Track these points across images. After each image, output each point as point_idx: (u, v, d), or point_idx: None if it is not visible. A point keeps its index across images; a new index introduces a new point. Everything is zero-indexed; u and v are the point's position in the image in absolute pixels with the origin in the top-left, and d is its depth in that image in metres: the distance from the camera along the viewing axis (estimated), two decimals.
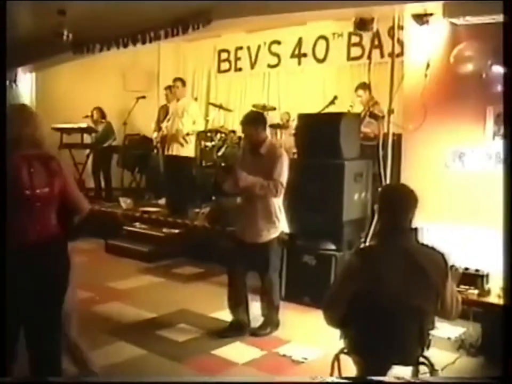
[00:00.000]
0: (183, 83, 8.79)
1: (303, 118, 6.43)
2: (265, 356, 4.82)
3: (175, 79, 8.83)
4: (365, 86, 7.62)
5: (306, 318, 5.61)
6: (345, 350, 3.30)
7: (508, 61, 4.32)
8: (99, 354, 4.77)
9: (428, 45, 6.00)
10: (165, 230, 8.27)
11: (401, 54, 6.82)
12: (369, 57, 8.53)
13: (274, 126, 9.30)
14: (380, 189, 3.90)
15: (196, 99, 10.53)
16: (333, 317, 3.25)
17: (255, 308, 5.85)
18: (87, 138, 10.62)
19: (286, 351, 4.86)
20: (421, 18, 5.83)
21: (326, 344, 4.53)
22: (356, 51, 9.36)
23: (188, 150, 8.65)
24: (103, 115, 10.45)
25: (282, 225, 5.21)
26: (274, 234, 5.14)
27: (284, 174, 5.00)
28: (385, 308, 2.99)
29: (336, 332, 3.32)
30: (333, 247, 5.92)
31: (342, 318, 3.19)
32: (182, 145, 8.49)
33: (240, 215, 5.34)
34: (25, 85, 11.51)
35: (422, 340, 3.11)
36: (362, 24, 6.43)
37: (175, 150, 8.60)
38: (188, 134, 8.50)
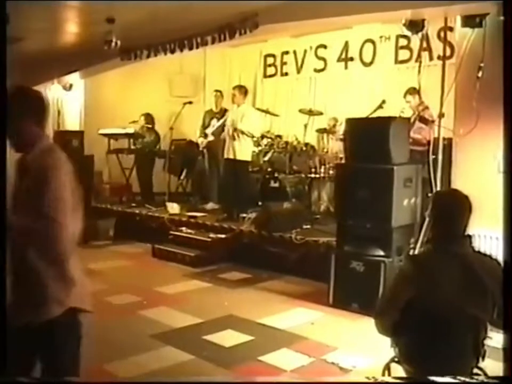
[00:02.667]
0: (244, 90, 8.88)
1: (352, 122, 6.36)
2: (313, 363, 4.76)
3: (235, 86, 8.98)
4: (414, 91, 7.50)
5: (354, 325, 5.55)
6: (396, 359, 3.22)
7: (508, 60, 4.18)
8: (146, 358, 4.82)
9: (480, 46, 5.85)
10: (211, 235, 8.28)
11: (451, 56, 6.68)
12: (418, 60, 8.39)
13: (321, 131, 9.24)
14: (432, 195, 3.82)
15: None
16: (385, 324, 3.18)
17: (297, 314, 5.84)
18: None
19: (334, 359, 4.79)
20: (473, 19, 5.69)
21: (375, 352, 4.46)
22: (404, 54, 9.24)
23: (245, 154, 8.71)
24: (151, 121, 10.54)
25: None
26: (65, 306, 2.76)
27: (63, 200, 2.72)
28: (439, 316, 2.91)
29: (386, 340, 3.25)
30: (382, 253, 5.83)
31: (393, 326, 3.12)
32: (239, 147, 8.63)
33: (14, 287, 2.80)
34: (75, 92, 11.71)
35: (477, 350, 3.02)
36: (412, 26, 6.32)
37: (232, 153, 8.69)
38: (243, 134, 8.61)
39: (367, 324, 5.02)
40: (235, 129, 8.63)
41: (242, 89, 8.91)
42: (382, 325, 3.19)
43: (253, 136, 8.70)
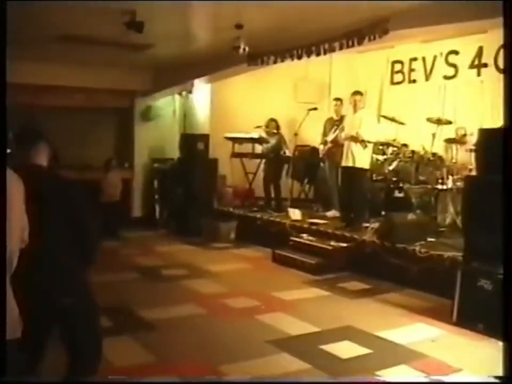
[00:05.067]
0: (362, 95, 8.74)
1: (485, 133, 6.04)
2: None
3: (355, 92, 8.80)
4: None
5: (479, 346, 5.25)
6: None
7: (508, 61, 3.74)
8: (262, 363, 4.82)
9: None
10: (332, 243, 8.19)
11: None
12: None
13: (450, 141, 8.88)
14: None
15: None
16: None
17: (417, 330, 5.62)
18: (259, 148, 10.85)
19: (456, 380, 4.54)
20: None
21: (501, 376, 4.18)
22: None
23: (363, 161, 8.53)
24: (277, 126, 10.60)
25: None
26: None
27: None
28: None
29: None
30: None
31: None
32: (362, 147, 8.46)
33: None
34: (202, 96, 12.02)
35: None
36: None
37: (349, 161, 8.55)
38: (364, 141, 8.43)
39: (493, 346, 4.77)
40: (352, 136, 8.50)
41: (361, 95, 8.75)
42: None
43: (370, 143, 8.50)
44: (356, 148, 8.47)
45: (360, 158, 8.49)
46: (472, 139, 7.91)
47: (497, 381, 2.57)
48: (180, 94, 12.45)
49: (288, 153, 10.60)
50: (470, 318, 5.65)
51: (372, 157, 9.08)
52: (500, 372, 4.25)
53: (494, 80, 9.41)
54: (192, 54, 10.16)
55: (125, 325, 5.69)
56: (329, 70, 12.06)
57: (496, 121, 7.34)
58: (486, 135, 6.00)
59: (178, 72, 11.29)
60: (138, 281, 7.51)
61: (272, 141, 10.53)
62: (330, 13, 7.14)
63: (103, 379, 4.28)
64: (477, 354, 5.11)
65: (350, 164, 8.54)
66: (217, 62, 10.02)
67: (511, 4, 3.23)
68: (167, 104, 12.59)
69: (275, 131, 10.57)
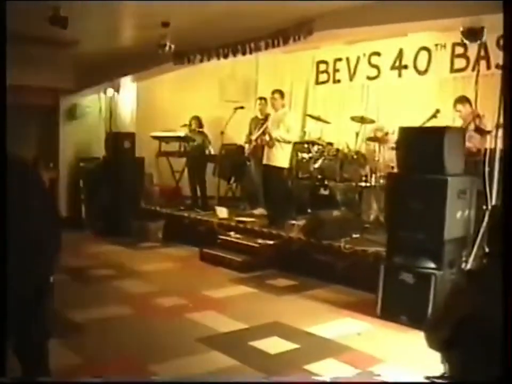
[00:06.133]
0: (282, 94, 8.86)
1: (405, 131, 6.24)
2: (359, 374, 4.67)
3: (274, 91, 8.91)
4: (464, 100, 7.36)
5: (402, 338, 5.44)
6: (446, 375, 3.13)
7: (508, 61, 4.02)
8: (192, 361, 4.83)
9: None
10: (259, 240, 8.26)
11: None
12: (474, 68, 8.21)
13: (372, 139, 9.13)
14: (490, 209, 3.71)
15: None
16: (436, 339, 3.09)
17: (344, 324, 5.76)
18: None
19: (381, 371, 4.70)
20: None
21: (423, 366, 4.35)
22: (460, 62, 9.05)
23: (283, 160, 8.66)
24: (200, 124, 10.58)
25: None
26: None
27: None
28: (495, 335, 2.82)
29: (435, 355, 3.16)
30: (433, 265, 5.70)
31: (445, 341, 3.03)
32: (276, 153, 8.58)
33: None
34: (128, 95, 11.87)
35: None
36: (470, 34, 6.18)
37: (270, 160, 8.66)
38: (279, 141, 8.61)
39: (416, 337, 4.95)
40: (270, 136, 8.64)
41: (280, 94, 8.89)
42: (434, 340, 3.11)
43: (288, 142, 8.67)
44: (274, 147, 8.62)
45: (280, 156, 8.63)
46: (394, 137, 8.15)
47: None
48: (106, 92, 12.25)
49: (213, 151, 10.61)
50: (393, 311, 5.83)
51: (293, 155, 9.23)
52: (421, 360, 4.46)
53: (413, 81, 9.77)
54: (117, 51, 10.02)
55: (52, 327, 5.56)
56: (256, 69, 12.15)
57: (415, 120, 7.61)
58: (406, 133, 6.20)
59: (104, 70, 11.10)
60: (66, 283, 7.35)
61: (198, 139, 10.51)
62: (256, 12, 7.20)
63: (101, 379, 4.25)
64: (400, 344, 5.29)
65: (269, 162, 8.67)
66: (143, 60, 9.92)
67: (511, 4, 3.35)
68: (93, 102, 12.32)
69: (199, 129, 10.54)
